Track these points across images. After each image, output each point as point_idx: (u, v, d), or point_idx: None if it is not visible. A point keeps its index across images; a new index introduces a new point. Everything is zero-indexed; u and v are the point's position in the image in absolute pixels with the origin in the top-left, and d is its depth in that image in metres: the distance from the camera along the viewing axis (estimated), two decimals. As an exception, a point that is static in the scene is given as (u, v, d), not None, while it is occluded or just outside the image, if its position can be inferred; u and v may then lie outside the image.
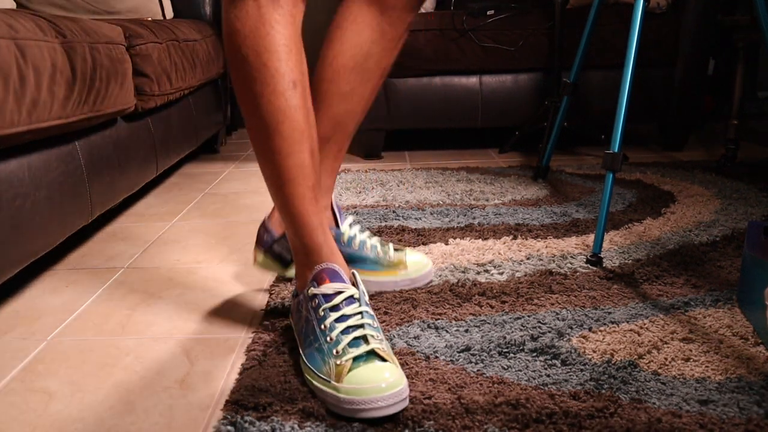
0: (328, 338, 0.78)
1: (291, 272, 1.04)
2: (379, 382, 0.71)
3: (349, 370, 0.74)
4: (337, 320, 0.78)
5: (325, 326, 0.78)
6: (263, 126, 0.82)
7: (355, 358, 0.75)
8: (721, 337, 0.89)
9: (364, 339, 0.77)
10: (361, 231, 1.08)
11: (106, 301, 1.10)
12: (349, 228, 1.06)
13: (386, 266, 1.07)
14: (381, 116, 2.24)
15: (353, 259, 1.05)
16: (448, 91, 2.22)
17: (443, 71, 2.20)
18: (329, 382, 0.74)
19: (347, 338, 0.77)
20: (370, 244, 1.07)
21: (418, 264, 1.09)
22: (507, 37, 2.15)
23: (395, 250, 1.09)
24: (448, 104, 2.23)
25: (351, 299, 0.81)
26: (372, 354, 0.76)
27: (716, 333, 0.90)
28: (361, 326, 0.78)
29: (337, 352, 0.76)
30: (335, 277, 0.82)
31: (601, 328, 0.92)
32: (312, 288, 0.82)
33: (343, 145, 1.04)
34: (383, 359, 0.75)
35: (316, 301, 0.81)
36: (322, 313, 0.79)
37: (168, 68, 1.72)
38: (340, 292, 0.81)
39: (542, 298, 1.02)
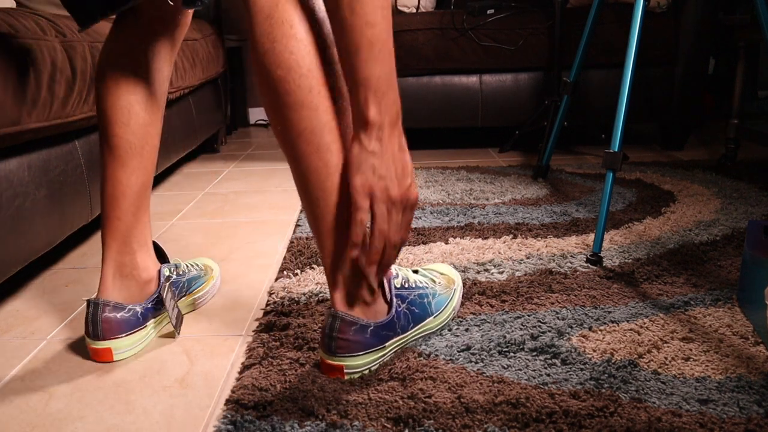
0: (429, 285, 0.96)
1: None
2: (453, 270, 1.05)
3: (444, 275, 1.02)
4: (410, 274, 0.95)
5: (416, 283, 0.94)
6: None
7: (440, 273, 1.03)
8: (721, 337, 0.89)
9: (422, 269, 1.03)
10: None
11: (106, 301, 1.10)
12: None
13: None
14: (381, 115, 2.23)
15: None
16: (448, 91, 2.22)
17: (443, 70, 2.20)
18: (456, 288, 0.99)
19: (415, 273, 0.99)
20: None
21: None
22: (507, 37, 2.15)
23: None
24: (448, 103, 2.23)
25: None
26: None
27: (716, 332, 0.90)
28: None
29: (433, 280, 0.97)
30: None
31: (601, 328, 0.92)
32: (395, 279, 0.89)
33: None
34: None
35: (406, 283, 0.91)
36: (413, 281, 0.93)
37: (168, 67, 1.72)
38: None
39: (542, 297, 1.02)
